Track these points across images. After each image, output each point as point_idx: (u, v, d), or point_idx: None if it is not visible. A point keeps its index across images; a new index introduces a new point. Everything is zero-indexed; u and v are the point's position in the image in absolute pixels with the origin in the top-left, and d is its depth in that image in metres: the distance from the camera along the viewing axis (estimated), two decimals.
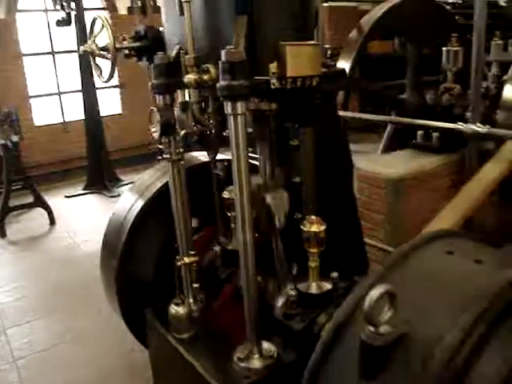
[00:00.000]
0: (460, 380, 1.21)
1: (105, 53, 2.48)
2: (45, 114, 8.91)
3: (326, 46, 7.45)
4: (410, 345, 1.28)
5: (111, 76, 2.50)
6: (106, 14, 9.02)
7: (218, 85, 1.74)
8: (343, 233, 2.20)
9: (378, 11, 3.99)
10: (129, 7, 9.11)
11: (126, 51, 2.55)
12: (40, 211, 6.69)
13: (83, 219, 6.71)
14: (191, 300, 2.40)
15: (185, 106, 2.26)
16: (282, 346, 2.08)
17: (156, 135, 2.17)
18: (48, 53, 8.69)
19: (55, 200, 7.22)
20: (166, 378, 2.55)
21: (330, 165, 2.21)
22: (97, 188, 7.89)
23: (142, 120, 9.90)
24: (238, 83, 1.70)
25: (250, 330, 2.03)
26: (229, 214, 2.50)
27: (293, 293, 2.09)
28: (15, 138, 6.25)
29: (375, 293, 1.24)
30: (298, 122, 2.15)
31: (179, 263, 2.36)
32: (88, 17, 7.80)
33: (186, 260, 2.36)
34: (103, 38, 2.54)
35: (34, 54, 8.64)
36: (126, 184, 7.75)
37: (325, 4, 7.32)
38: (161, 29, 2.55)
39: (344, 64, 3.88)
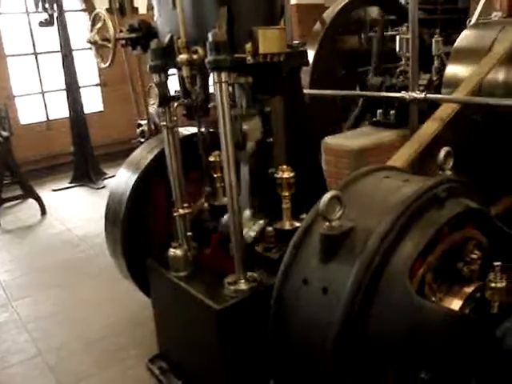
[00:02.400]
0: (389, 256, 1.72)
1: (106, 43, 2.94)
2: (29, 112, 9.26)
3: (296, 41, 7.95)
4: (355, 236, 1.79)
5: (112, 61, 2.95)
6: (85, 15, 9.40)
7: (206, 60, 2.24)
8: (309, 182, 2.70)
9: (339, 4, 4.53)
10: (107, 8, 9.52)
11: (123, 41, 3.02)
12: (30, 204, 7.07)
13: (72, 209, 7.10)
14: (186, 246, 2.87)
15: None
16: (263, 273, 2.57)
17: (155, 106, 2.64)
18: (31, 53, 9.04)
19: (43, 194, 7.51)
20: (166, 315, 3.01)
21: (295, 126, 2.72)
22: (83, 181, 8.28)
23: (123, 116, 10.28)
24: (222, 57, 2.20)
25: (237, 261, 2.51)
26: (214, 175, 3.00)
27: (270, 229, 2.61)
28: (5, 133, 6.62)
29: (327, 196, 1.75)
30: (270, 92, 2.65)
31: (175, 214, 2.83)
32: (69, 18, 8.20)
33: (181, 211, 2.83)
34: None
35: (18, 55, 8.98)
36: (111, 177, 8.14)
37: (293, 1, 7.85)
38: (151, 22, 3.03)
39: (309, 53, 4.39)
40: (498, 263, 1.73)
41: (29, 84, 9.21)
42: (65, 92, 8.35)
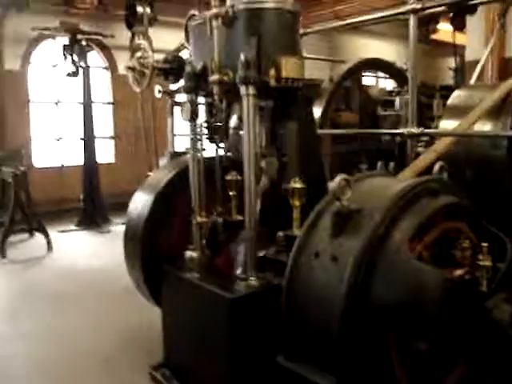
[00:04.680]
0: (391, 228, 1.98)
1: (144, 69, 3.36)
2: (44, 157, 9.73)
3: None
4: (360, 215, 2.06)
5: (148, 85, 3.35)
6: (107, 73, 10.13)
7: (237, 75, 2.61)
8: (316, 195, 2.99)
9: (347, 65, 5.07)
10: (129, 67, 10.30)
11: (158, 70, 3.45)
12: (37, 241, 7.27)
13: (78, 247, 7.32)
14: (200, 252, 3.10)
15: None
16: (272, 274, 2.79)
17: (185, 120, 3.01)
18: (54, 102, 9.67)
19: (50, 234, 7.72)
20: (177, 317, 3.15)
21: (306, 148, 3.06)
22: (89, 226, 8.51)
23: (133, 169, 10.67)
24: (251, 73, 2.58)
25: (249, 262, 2.74)
26: (230, 193, 3.29)
27: (281, 235, 2.86)
28: (23, 168, 7.00)
29: (338, 178, 2.04)
30: (286, 117, 3.02)
31: (194, 221, 3.09)
32: (93, 72, 8.90)
33: (199, 219, 3.09)
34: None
35: (41, 103, 9.62)
36: (116, 224, 8.38)
37: None
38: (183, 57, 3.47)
39: (318, 104, 4.85)
40: (486, 244, 1.99)
41: (47, 130, 9.76)
42: (80, 141, 8.84)
